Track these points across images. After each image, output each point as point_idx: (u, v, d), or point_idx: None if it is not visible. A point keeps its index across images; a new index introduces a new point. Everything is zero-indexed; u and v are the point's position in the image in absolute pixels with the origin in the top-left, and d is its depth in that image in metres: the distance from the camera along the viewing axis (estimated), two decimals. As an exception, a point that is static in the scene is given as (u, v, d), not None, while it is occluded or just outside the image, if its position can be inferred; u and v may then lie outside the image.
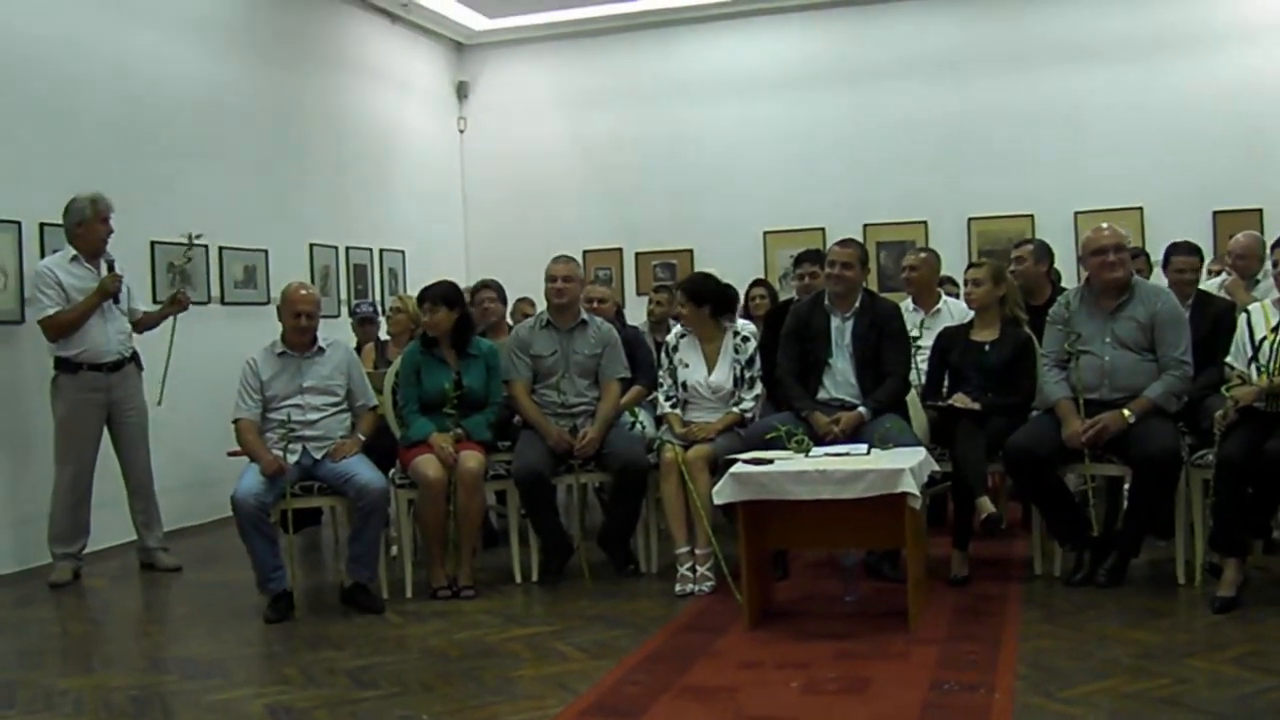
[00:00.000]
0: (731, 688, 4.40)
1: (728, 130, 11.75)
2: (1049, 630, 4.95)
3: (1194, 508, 5.56)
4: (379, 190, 11.20)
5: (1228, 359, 5.51)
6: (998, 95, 11.00)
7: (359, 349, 7.95)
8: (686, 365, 6.32)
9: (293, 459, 5.85)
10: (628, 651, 4.91)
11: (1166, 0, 10.67)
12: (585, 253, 11.37)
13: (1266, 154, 10.21)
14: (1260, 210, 10.06)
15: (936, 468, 5.59)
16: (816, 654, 4.76)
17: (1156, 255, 7.31)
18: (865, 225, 10.92)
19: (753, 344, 6.30)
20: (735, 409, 6.20)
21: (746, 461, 5.27)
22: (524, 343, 6.48)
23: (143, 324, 7.14)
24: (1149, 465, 5.41)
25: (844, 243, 6.15)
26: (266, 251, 9.38)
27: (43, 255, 7.12)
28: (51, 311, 6.64)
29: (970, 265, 6.60)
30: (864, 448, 5.44)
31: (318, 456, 5.95)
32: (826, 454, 5.38)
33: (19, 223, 7.19)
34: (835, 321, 6.05)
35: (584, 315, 6.56)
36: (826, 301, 6.09)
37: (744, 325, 6.43)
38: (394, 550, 6.53)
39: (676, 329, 6.54)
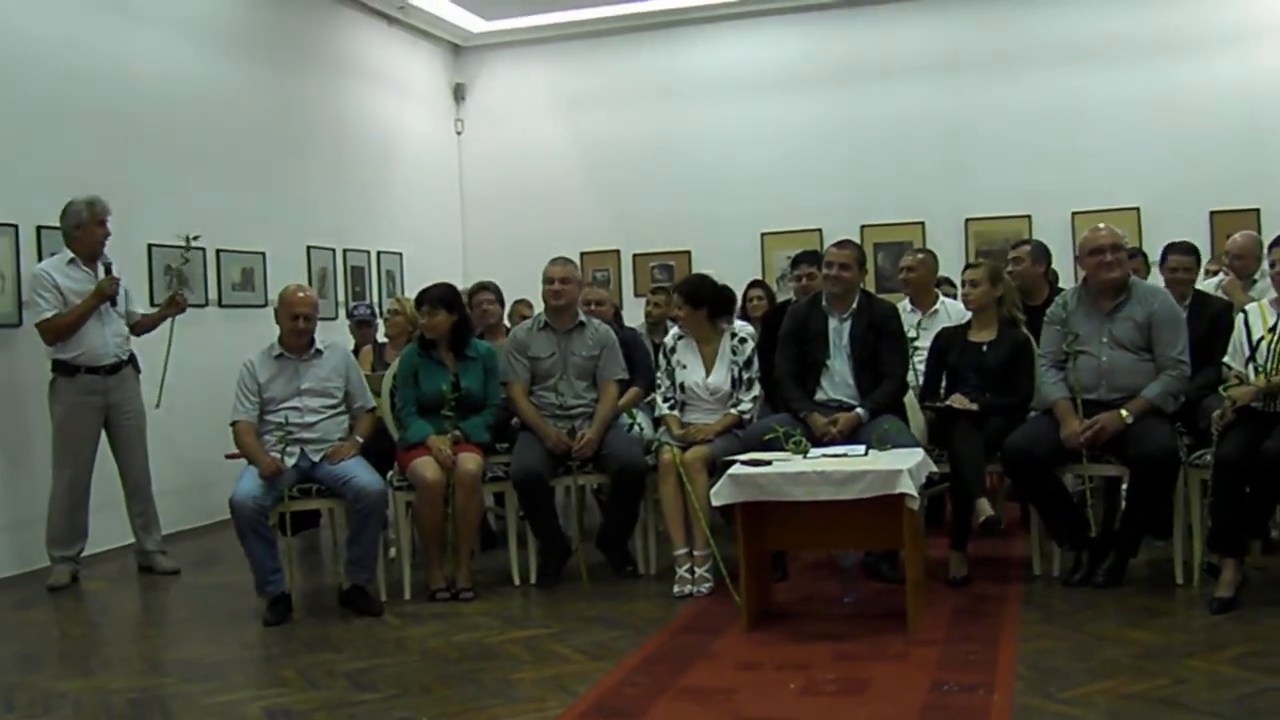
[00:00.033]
0: (730, 689, 4.40)
1: (725, 131, 11.75)
2: (1048, 631, 4.95)
3: (1192, 508, 5.57)
4: (377, 192, 11.20)
5: (1225, 359, 5.52)
6: (995, 96, 11.01)
7: (357, 351, 7.95)
8: (684, 367, 6.32)
9: (291, 461, 5.85)
10: (626, 653, 4.91)
11: (1164, 1, 10.68)
12: (583, 254, 11.35)
13: (1264, 154, 10.22)
14: (1258, 210, 10.07)
15: (934, 468, 5.59)
16: (815, 655, 4.76)
17: (1154, 255, 7.31)
18: (863, 226, 10.93)
19: (750, 345, 6.30)
20: (733, 410, 6.20)
21: (744, 463, 5.27)
22: (522, 344, 6.48)
23: (141, 326, 7.14)
24: (1147, 465, 5.41)
25: (841, 244, 6.15)
26: (264, 254, 9.37)
27: (40, 258, 7.11)
28: (49, 314, 6.63)
29: (968, 266, 6.60)
30: (862, 449, 5.44)
31: (316, 459, 5.95)
32: (824, 455, 5.38)
33: (16, 226, 7.19)
34: (833, 323, 6.06)
35: (582, 317, 6.57)
36: (824, 303, 6.10)
37: (742, 326, 6.43)
38: (392, 552, 6.53)
39: (674, 330, 6.54)
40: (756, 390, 6.28)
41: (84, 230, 6.75)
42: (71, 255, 6.77)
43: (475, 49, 12.64)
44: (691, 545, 5.92)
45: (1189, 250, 6.60)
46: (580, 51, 12.25)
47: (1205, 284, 7.09)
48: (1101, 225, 5.92)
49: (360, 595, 5.86)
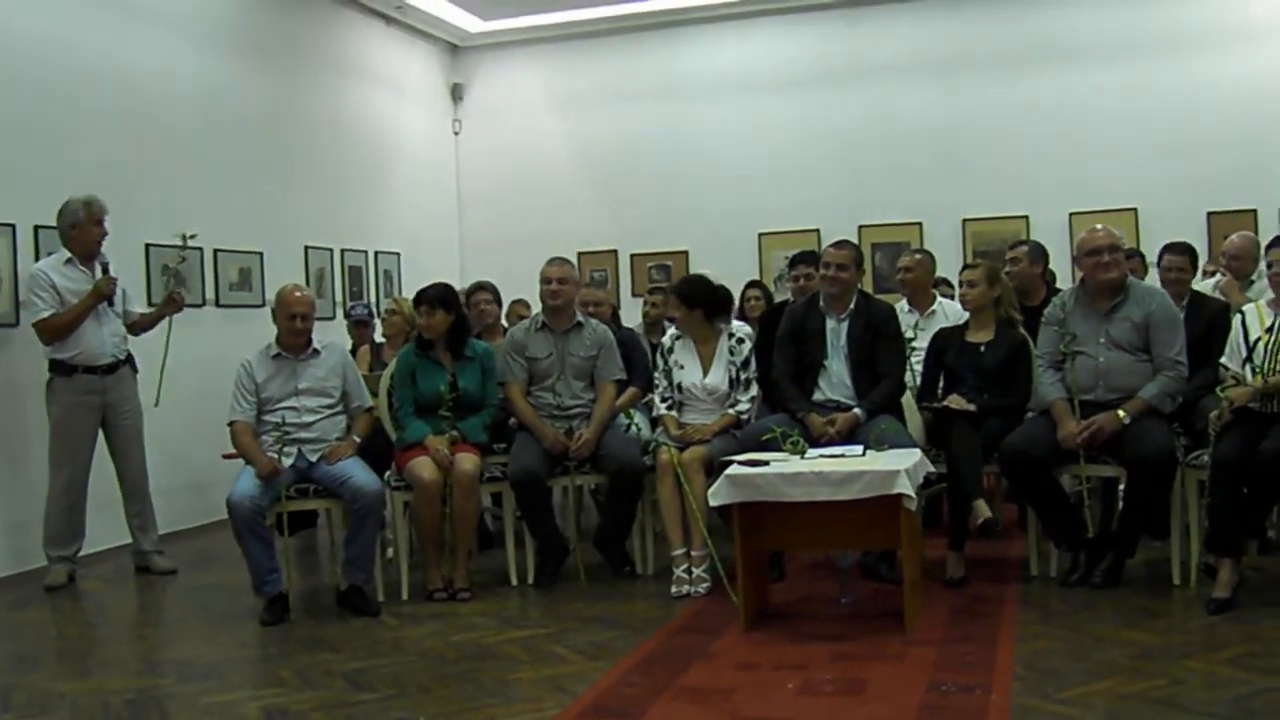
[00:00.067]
0: (728, 689, 4.40)
1: (722, 132, 11.74)
2: (1045, 631, 4.95)
3: (1189, 508, 5.57)
4: (374, 192, 11.20)
5: (1222, 360, 5.52)
6: (993, 97, 11.01)
7: (354, 351, 7.94)
8: (682, 367, 6.32)
9: (288, 461, 5.85)
10: (624, 653, 4.91)
11: (1161, 3, 10.68)
12: (580, 254, 11.32)
13: (1261, 155, 10.21)
14: (1254, 211, 10.07)
15: (932, 469, 5.60)
16: (813, 655, 4.77)
17: (1152, 256, 7.31)
18: (860, 227, 10.92)
19: (748, 345, 6.30)
20: (731, 411, 6.20)
21: (742, 463, 5.27)
22: (519, 345, 6.48)
23: (139, 326, 7.14)
24: (1144, 466, 5.41)
25: (839, 244, 6.16)
26: (261, 254, 9.37)
27: (37, 258, 7.10)
28: (46, 314, 6.63)
29: (965, 266, 6.61)
30: (859, 449, 5.45)
31: (313, 459, 5.94)
32: (822, 455, 5.38)
33: (13, 225, 7.18)
34: (830, 323, 6.06)
35: (579, 317, 6.57)
36: (821, 303, 6.10)
37: (739, 327, 6.43)
38: (390, 552, 6.52)
39: (672, 331, 6.54)
40: (754, 390, 6.28)
41: (80, 230, 6.74)
42: (68, 255, 6.76)
43: (473, 49, 12.63)
44: (689, 545, 5.92)
45: (1183, 250, 6.60)
46: (578, 52, 12.25)
47: (1203, 285, 7.08)
48: (1099, 226, 5.92)
49: (358, 595, 5.85)
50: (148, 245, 8.14)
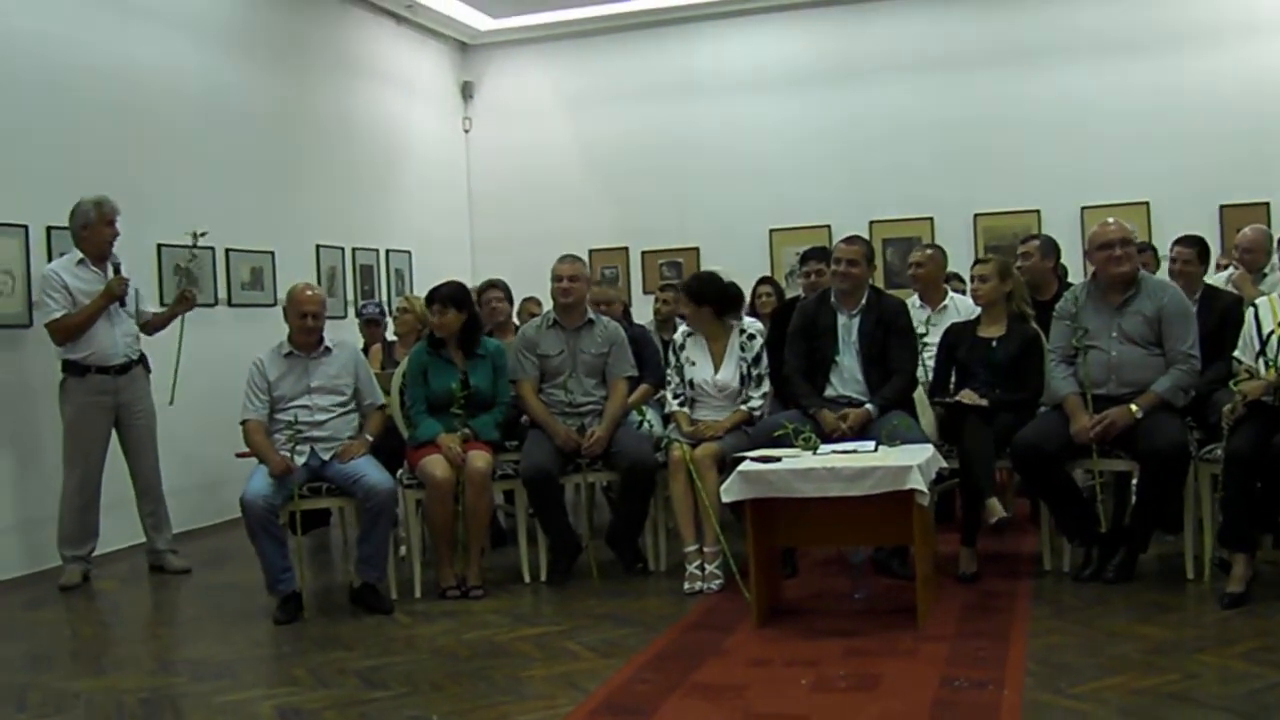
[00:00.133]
0: (741, 686, 4.40)
1: (733, 128, 11.74)
2: (1058, 626, 4.94)
3: (1202, 503, 5.55)
4: (385, 191, 11.21)
5: (1235, 353, 5.50)
6: (1003, 91, 10.99)
7: (366, 350, 7.94)
8: (693, 363, 6.32)
9: (301, 460, 5.86)
10: (637, 650, 4.91)
11: (1172, -6, 10.68)
12: (591, 252, 11.38)
13: (1273, 147, 10.18)
14: (1267, 204, 10.05)
15: (944, 464, 5.58)
16: (826, 651, 4.76)
17: (1164, 250, 7.28)
18: (871, 222, 10.91)
19: (759, 342, 6.29)
20: (743, 407, 6.20)
21: (754, 459, 5.27)
22: (531, 342, 6.49)
23: (152, 325, 7.16)
24: (1157, 460, 5.40)
25: (849, 240, 6.15)
26: (273, 253, 9.39)
27: (50, 259, 7.13)
28: (58, 315, 6.65)
29: (977, 261, 6.60)
30: (871, 445, 5.44)
31: (326, 457, 5.95)
32: (834, 451, 5.38)
33: (26, 226, 7.20)
34: (842, 319, 6.05)
35: (591, 314, 6.57)
36: (833, 299, 6.10)
37: (750, 323, 6.42)
38: (402, 550, 6.53)
39: (683, 327, 6.54)
40: (766, 387, 6.28)
41: (92, 230, 6.76)
42: (80, 255, 6.78)
43: (483, 47, 12.64)
44: (701, 542, 5.92)
45: (1192, 243, 6.58)
46: (588, 49, 12.25)
47: (1216, 278, 7.06)
48: (1110, 220, 5.91)
49: (371, 593, 5.86)
50: (159, 245, 8.16)
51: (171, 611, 6.51)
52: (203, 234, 7.36)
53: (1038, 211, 10.78)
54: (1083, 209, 10.52)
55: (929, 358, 6.52)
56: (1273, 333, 5.30)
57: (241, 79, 9.30)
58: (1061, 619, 5.06)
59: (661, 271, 11.76)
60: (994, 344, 6.08)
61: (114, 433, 6.95)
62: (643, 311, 9.66)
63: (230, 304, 8.94)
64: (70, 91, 7.64)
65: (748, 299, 7.42)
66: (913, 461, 5.00)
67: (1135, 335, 5.65)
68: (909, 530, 5.07)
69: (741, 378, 6.24)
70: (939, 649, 4.70)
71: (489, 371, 6.34)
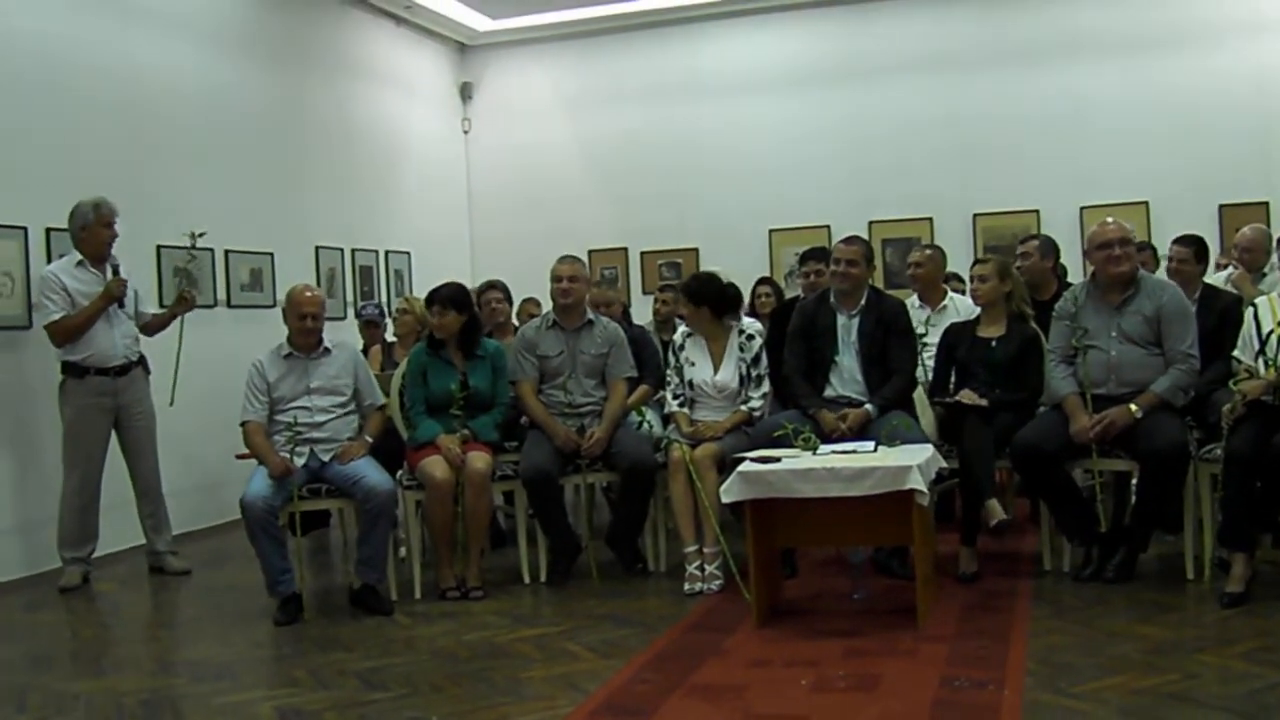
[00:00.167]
0: (741, 686, 4.40)
1: (732, 129, 11.75)
2: (1058, 626, 4.94)
3: (1202, 502, 5.55)
4: (384, 192, 11.21)
5: (1235, 353, 5.50)
6: (1002, 91, 11.00)
7: (365, 351, 7.94)
8: (693, 364, 6.32)
9: (300, 461, 5.86)
10: (637, 651, 4.91)
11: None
12: (590, 252, 11.39)
13: (1272, 147, 10.19)
14: (1266, 203, 10.06)
15: (944, 464, 5.58)
16: (826, 652, 4.76)
17: (1163, 249, 7.29)
18: (870, 222, 10.92)
19: (758, 342, 6.29)
20: (743, 408, 6.20)
21: (754, 460, 5.27)
22: (530, 343, 6.49)
23: (152, 327, 7.15)
24: (1157, 460, 5.40)
25: (848, 240, 6.15)
26: (272, 255, 9.39)
27: (49, 260, 7.14)
28: (57, 316, 6.65)
29: (976, 261, 6.61)
30: (871, 445, 5.44)
31: (325, 459, 5.95)
32: (834, 451, 5.38)
33: (25, 228, 7.21)
34: (841, 319, 6.05)
35: (590, 315, 6.57)
36: (832, 299, 6.09)
37: (750, 323, 6.42)
38: (402, 552, 6.53)
39: (683, 328, 6.54)
40: (766, 387, 6.27)
41: (90, 232, 6.76)
42: (79, 257, 6.78)
43: (482, 48, 12.64)
44: (701, 542, 5.92)
45: (1189, 242, 6.58)
46: (587, 50, 12.26)
47: (1215, 278, 7.06)
48: (1110, 219, 5.92)
49: (371, 594, 5.86)
50: (159, 247, 8.17)
51: (171, 613, 6.51)
52: (201, 234, 7.36)
53: (1037, 211, 10.78)
54: (1082, 209, 10.53)
55: (928, 358, 6.53)
56: (1272, 332, 5.30)
57: (241, 80, 9.30)
58: (1061, 619, 5.05)
59: (661, 272, 11.76)
60: (993, 344, 6.08)
61: (114, 434, 6.95)
62: (642, 312, 9.67)
63: (230, 305, 8.94)
64: (70, 92, 7.64)
65: (747, 299, 7.43)
66: (912, 461, 5.00)
67: (1134, 335, 5.65)
68: (909, 530, 5.07)
69: (741, 378, 6.24)
70: (939, 649, 4.70)
71: (488, 372, 6.34)
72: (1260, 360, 5.33)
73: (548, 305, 6.85)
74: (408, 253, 11.38)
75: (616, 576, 6.29)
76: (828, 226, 10.99)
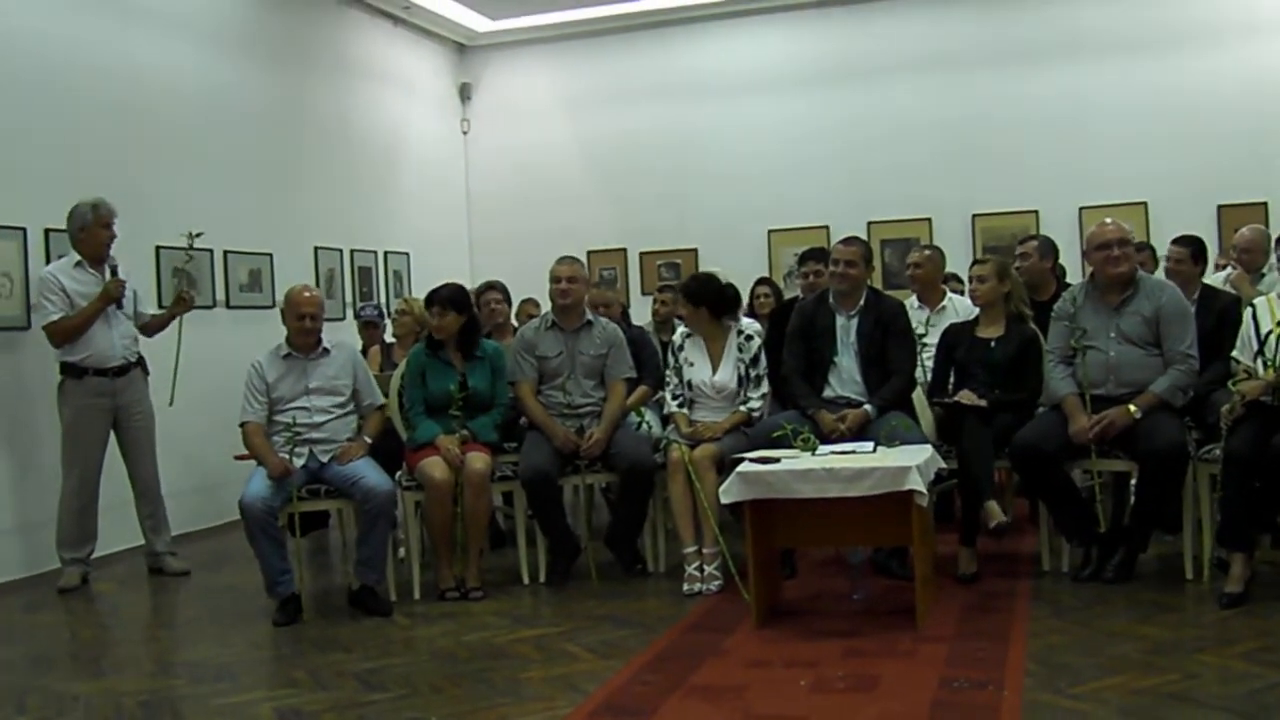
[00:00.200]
0: (740, 687, 4.40)
1: (731, 129, 11.75)
2: (1058, 626, 4.94)
3: (1201, 503, 5.55)
4: (383, 192, 11.21)
5: (1234, 353, 5.50)
6: (1001, 91, 11.00)
7: (364, 352, 7.94)
8: (691, 364, 6.32)
9: (300, 462, 5.86)
10: (636, 651, 4.91)
11: (1170, -6, 10.69)
12: (589, 253, 11.39)
13: (1271, 147, 10.19)
14: (1265, 204, 10.06)
15: (943, 465, 5.57)
16: (825, 652, 4.76)
17: (1162, 250, 7.28)
18: (869, 223, 10.93)
19: (757, 342, 6.29)
20: (742, 408, 6.19)
21: (753, 460, 5.27)
22: (529, 344, 6.49)
23: (151, 327, 7.16)
24: (1156, 460, 5.40)
25: (847, 241, 6.15)
26: (271, 255, 9.39)
27: (48, 261, 7.13)
28: (56, 317, 6.65)
29: (975, 262, 6.60)
30: (870, 445, 5.44)
31: (324, 459, 5.95)
32: (833, 452, 5.38)
33: (24, 229, 7.21)
34: (840, 319, 6.05)
35: (589, 316, 6.56)
36: (831, 300, 6.10)
37: (749, 324, 6.41)
38: (401, 552, 6.53)
39: (682, 329, 6.54)
40: (764, 388, 6.27)
41: (88, 233, 6.76)
42: (78, 258, 6.78)
43: (481, 48, 12.64)
44: (700, 543, 5.92)
45: (1186, 242, 6.59)
46: (586, 50, 12.26)
47: (1214, 278, 7.07)
48: (1108, 220, 5.92)
49: (370, 595, 5.86)
50: (158, 247, 8.17)
51: (170, 614, 6.50)
52: (198, 235, 7.35)
53: (1036, 212, 10.79)
54: (1081, 209, 10.53)
55: (927, 358, 6.53)
56: (1271, 332, 5.30)
57: (240, 80, 9.30)
58: (1061, 619, 5.05)
59: (660, 272, 11.77)
60: (992, 344, 6.08)
61: (112, 435, 6.94)
62: (641, 313, 9.67)
63: (229, 306, 8.93)
64: (69, 92, 7.64)
65: (746, 300, 7.42)
66: (911, 462, 5.00)
67: (1133, 335, 5.65)
68: (908, 531, 5.07)
69: (739, 379, 6.24)
70: (938, 649, 4.70)
71: (487, 373, 6.34)
72: (1259, 360, 5.33)
73: (547, 306, 6.85)
74: (407, 253, 11.38)
75: (616, 577, 6.28)
76: (827, 227, 11.00)
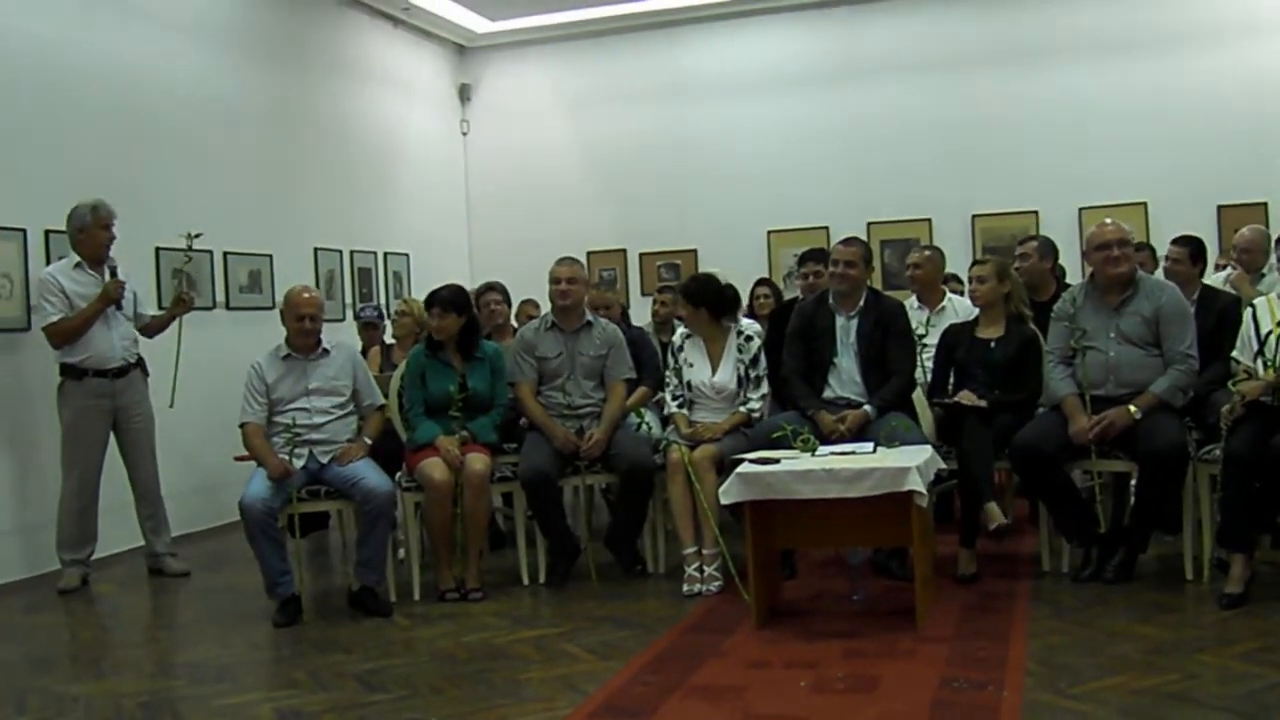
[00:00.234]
0: (740, 687, 4.40)
1: (731, 130, 11.75)
2: (1058, 627, 4.94)
3: (1201, 503, 5.55)
4: (383, 194, 11.21)
5: (1234, 353, 5.50)
6: (1001, 92, 11.00)
7: (364, 353, 7.94)
8: (691, 365, 6.32)
9: (299, 463, 5.86)
10: (636, 652, 4.91)
11: (1169, -5, 10.69)
12: (589, 254, 11.38)
13: (1271, 147, 10.20)
14: (1265, 204, 10.06)
15: (943, 465, 5.57)
16: (825, 653, 4.76)
17: (1162, 250, 7.29)
18: (869, 223, 10.93)
19: (756, 343, 6.29)
20: (742, 409, 6.19)
21: (753, 461, 5.27)
22: (529, 344, 6.48)
23: (151, 329, 7.16)
24: (1156, 461, 5.40)
25: (847, 241, 6.15)
26: (271, 256, 9.39)
27: (48, 262, 7.14)
28: (55, 318, 6.65)
29: (975, 262, 6.59)
30: (870, 446, 5.44)
31: (324, 460, 5.95)
32: (832, 453, 5.38)
33: (24, 230, 7.21)
34: (840, 320, 6.05)
35: (589, 316, 6.56)
36: (831, 300, 6.09)
37: (748, 324, 6.41)
38: (401, 553, 6.53)
39: (681, 329, 6.54)
40: (764, 388, 6.27)
41: (88, 234, 6.76)
42: (78, 259, 6.78)
43: (480, 49, 12.65)
44: (700, 544, 5.92)
45: (1185, 242, 6.59)
46: (585, 51, 12.26)
47: (1214, 278, 7.07)
48: (1108, 220, 5.92)
49: (370, 596, 5.86)
50: (158, 249, 8.17)
51: (170, 615, 6.50)
52: (197, 235, 7.34)
53: (1036, 212, 10.79)
54: (1081, 210, 10.53)
55: (927, 359, 6.53)
56: (1271, 333, 5.30)
57: (240, 81, 9.31)
58: (1061, 619, 5.05)
59: (659, 273, 11.77)
60: (992, 345, 6.08)
61: (112, 436, 6.94)
62: (641, 313, 9.67)
63: (228, 307, 8.93)
64: (68, 94, 7.65)
65: (746, 300, 7.42)
66: (911, 463, 5.00)
67: (1133, 336, 5.65)
68: (908, 531, 5.07)
69: (739, 379, 6.24)
70: (938, 650, 4.70)
71: (487, 374, 6.34)
72: (1259, 361, 5.32)
73: (546, 307, 6.85)
74: (406, 254, 11.38)
75: (615, 578, 6.28)
76: (826, 228, 11.00)
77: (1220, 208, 10.23)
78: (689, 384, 6.30)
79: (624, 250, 12.08)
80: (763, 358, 6.27)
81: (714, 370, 6.28)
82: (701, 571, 5.88)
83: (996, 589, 5.64)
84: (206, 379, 7.78)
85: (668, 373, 6.45)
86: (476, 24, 12.19)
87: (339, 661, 5.01)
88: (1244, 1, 10.46)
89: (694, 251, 11.77)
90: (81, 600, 6.64)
